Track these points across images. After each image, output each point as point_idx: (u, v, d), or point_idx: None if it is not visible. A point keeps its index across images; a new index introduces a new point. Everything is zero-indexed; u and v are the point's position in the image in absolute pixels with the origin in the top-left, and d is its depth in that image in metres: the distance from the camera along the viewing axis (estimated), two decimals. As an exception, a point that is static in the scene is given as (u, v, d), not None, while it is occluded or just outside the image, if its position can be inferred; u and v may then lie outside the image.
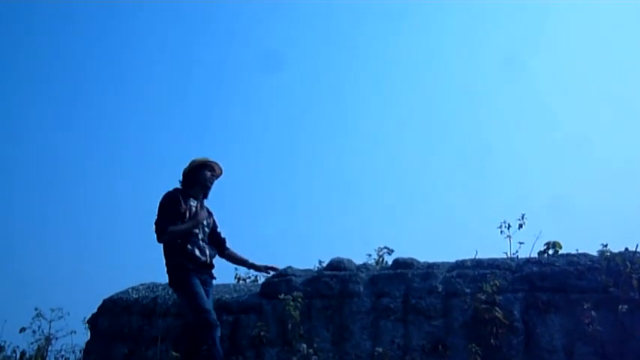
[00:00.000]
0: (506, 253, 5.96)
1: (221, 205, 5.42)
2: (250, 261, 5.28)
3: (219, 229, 5.34)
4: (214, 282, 5.20)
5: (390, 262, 6.43)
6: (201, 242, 5.00)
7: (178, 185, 5.14)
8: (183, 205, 4.95)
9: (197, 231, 4.96)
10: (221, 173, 5.22)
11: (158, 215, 4.89)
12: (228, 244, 5.37)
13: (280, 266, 5.99)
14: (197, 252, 4.91)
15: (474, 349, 5.12)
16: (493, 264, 5.76)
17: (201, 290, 4.77)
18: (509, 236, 5.96)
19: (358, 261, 6.38)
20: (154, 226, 4.83)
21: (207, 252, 5.02)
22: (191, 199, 5.07)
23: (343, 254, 6.28)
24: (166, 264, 4.90)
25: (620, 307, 4.98)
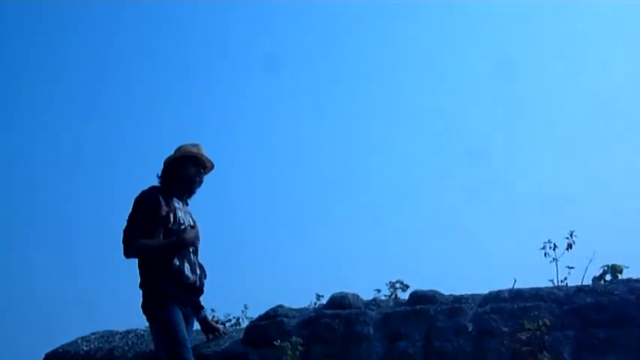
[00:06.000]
0: (552, 281, 5.55)
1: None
2: (203, 313, 4.53)
3: None
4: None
5: (405, 299, 6.05)
6: (192, 256, 4.24)
7: (157, 180, 4.37)
8: (164, 207, 4.15)
9: None
10: (212, 168, 4.45)
11: (128, 221, 4.14)
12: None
13: (226, 330, 5.53)
14: (187, 269, 4.13)
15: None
16: (536, 295, 5.29)
17: (182, 322, 4.05)
18: (555, 259, 5.58)
19: (365, 297, 5.98)
20: (122, 235, 4.11)
21: (198, 271, 4.26)
22: (174, 199, 4.27)
23: (347, 289, 5.90)
24: (141, 283, 4.15)
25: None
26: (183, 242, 4.16)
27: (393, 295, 6.54)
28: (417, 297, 5.67)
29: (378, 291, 6.53)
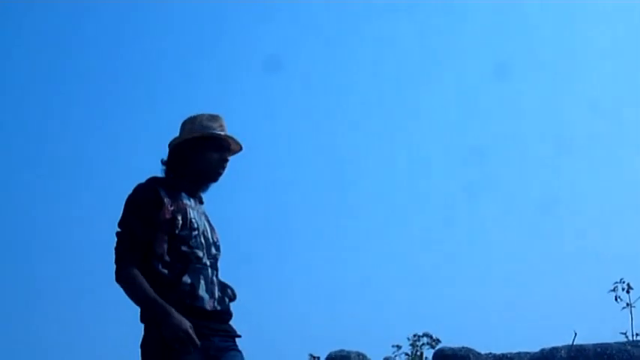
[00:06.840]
0: (624, 334, 5.11)
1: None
2: None
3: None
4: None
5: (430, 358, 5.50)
6: (209, 271, 3.13)
7: (160, 169, 3.28)
8: (169, 206, 3.08)
9: (200, 253, 3.08)
10: (240, 151, 3.34)
11: (119, 234, 3.09)
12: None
13: None
14: (202, 289, 3.04)
15: None
16: (603, 353, 4.93)
17: None
18: (629, 305, 5.13)
19: (377, 356, 5.63)
20: (114, 253, 3.06)
21: (217, 291, 3.12)
22: (183, 194, 3.20)
23: (350, 345, 5.51)
24: (141, 314, 3.09)
25: None
26: (166, 324, 2.99)
27: (419, 353, 5.60)
28: (444, 356, 5.17)
29: (398, 348, 5.72)
